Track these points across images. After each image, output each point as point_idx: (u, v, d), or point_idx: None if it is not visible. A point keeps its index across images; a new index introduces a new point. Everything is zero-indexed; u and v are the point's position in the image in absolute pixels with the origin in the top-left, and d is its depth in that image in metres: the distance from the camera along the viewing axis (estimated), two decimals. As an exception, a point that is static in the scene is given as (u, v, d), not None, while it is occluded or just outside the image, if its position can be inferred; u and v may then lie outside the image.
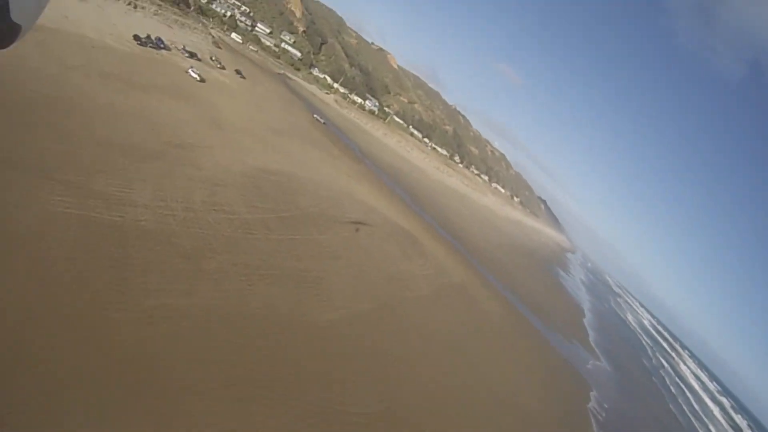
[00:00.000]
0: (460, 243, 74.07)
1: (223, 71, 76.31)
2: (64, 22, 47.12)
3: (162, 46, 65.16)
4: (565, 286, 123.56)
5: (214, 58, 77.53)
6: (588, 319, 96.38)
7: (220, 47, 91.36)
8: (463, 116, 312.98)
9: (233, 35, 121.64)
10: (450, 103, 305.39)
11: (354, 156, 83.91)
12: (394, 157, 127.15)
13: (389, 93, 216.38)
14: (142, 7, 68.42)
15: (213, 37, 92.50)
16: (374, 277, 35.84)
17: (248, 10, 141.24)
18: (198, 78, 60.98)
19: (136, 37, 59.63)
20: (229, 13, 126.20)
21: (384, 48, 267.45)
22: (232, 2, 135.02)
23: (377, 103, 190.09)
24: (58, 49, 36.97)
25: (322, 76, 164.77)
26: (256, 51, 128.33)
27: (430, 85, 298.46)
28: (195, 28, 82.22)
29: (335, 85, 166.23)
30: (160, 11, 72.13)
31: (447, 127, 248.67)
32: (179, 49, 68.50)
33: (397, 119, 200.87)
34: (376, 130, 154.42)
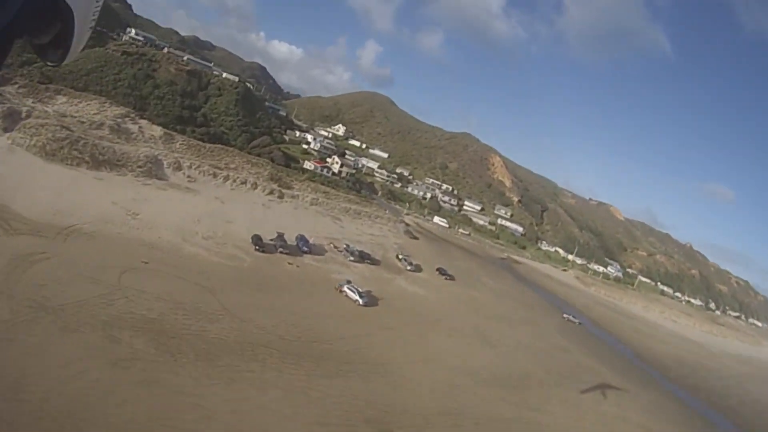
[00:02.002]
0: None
1: (416, 274, 45.33)
2: (120, 223, 32.29)
3: (305, 249, 37.28)
4: None
5: (402, 257, 47.46)
6: None
7: (416, 237, 62.98)
8: (700, 253, 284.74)
9: (436, 219, 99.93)
10: (682, 242, 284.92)
11: (635, 371, 58.19)
12: (671, 341, 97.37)
13: (625, 250, 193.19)
14: (293, 197, 43.61)
15: (407, 225, 65.40)
16: None
17: (451, 188, 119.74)
18: (360, 300, 32.75)
19: (256, 240, 36.41)
20: (429, 195, 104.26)
21: (604, 201, 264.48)
22: (430, 182, 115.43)
23: (619, 266, 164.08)
24: (55, 270, 22.89)
25: (552, 249, 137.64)
26: (468, 234, 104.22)
27: (657, 229, 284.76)
28: (378, 217, 55.99)
29: (570, 257, 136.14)
30: (322, 199, 46.73)
31: (693, 272, 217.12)
32: (339, 250, 39.80)
33: (642, 278, 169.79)
34: (632, 304, 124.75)
